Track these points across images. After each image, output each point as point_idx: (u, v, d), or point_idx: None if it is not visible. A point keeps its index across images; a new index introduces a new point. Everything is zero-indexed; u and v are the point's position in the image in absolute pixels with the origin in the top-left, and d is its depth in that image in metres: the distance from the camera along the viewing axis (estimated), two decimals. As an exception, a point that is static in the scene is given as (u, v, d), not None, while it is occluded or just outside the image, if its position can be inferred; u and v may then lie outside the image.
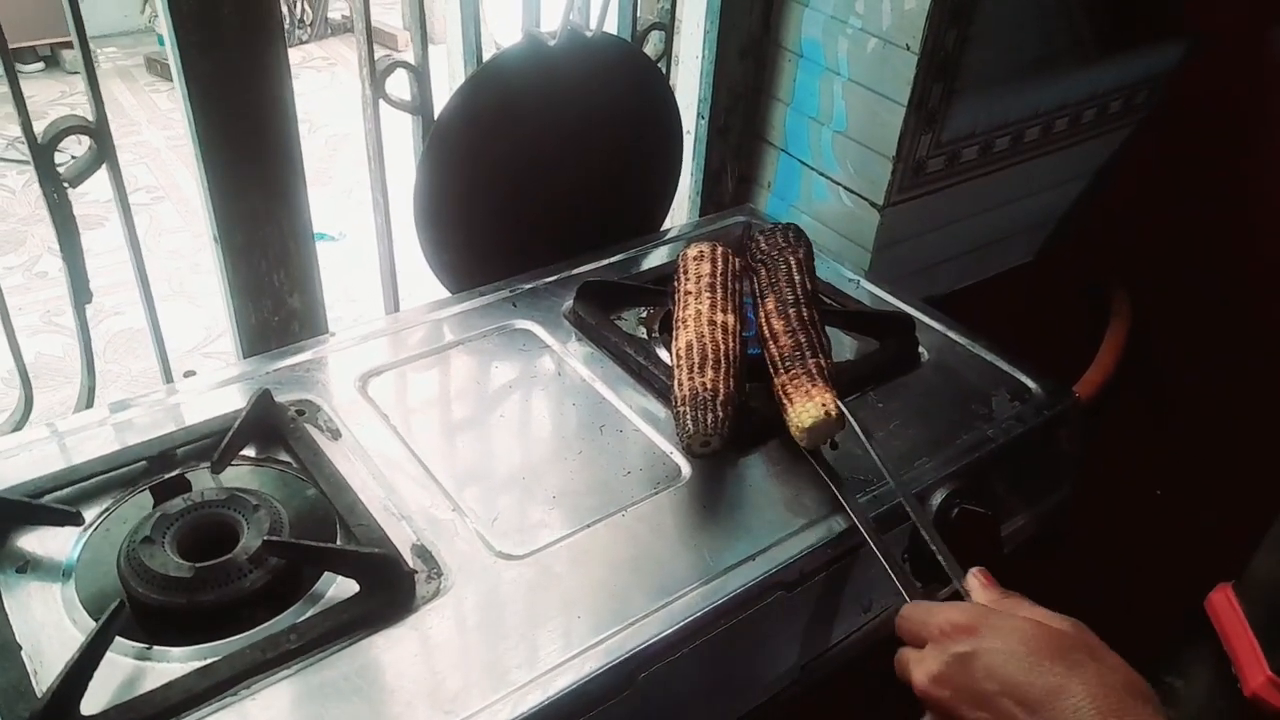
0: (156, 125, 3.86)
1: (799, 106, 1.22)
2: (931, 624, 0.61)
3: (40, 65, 4.11)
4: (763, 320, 0.89)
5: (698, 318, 0.86)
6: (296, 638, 0.64)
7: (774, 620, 0.72)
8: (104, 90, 0.84)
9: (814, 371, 0.82)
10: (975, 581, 0.66)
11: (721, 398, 0.79)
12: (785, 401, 0.81)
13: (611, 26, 1.07)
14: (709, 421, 0.78)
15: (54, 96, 3.94)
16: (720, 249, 0.94)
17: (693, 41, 1.20)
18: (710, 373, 0.81)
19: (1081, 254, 1.36)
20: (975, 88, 1.10)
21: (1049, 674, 0.54)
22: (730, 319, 0.87)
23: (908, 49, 1.04)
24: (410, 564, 0.70)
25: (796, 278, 0.91)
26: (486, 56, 1.01)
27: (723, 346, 0.84)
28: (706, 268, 0.91)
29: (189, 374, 0.97)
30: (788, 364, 0.83)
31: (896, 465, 0.81)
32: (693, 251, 0.94)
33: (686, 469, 0.81)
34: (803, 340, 0.84)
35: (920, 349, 0.96)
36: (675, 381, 0.82)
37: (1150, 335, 1.24)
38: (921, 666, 0.60)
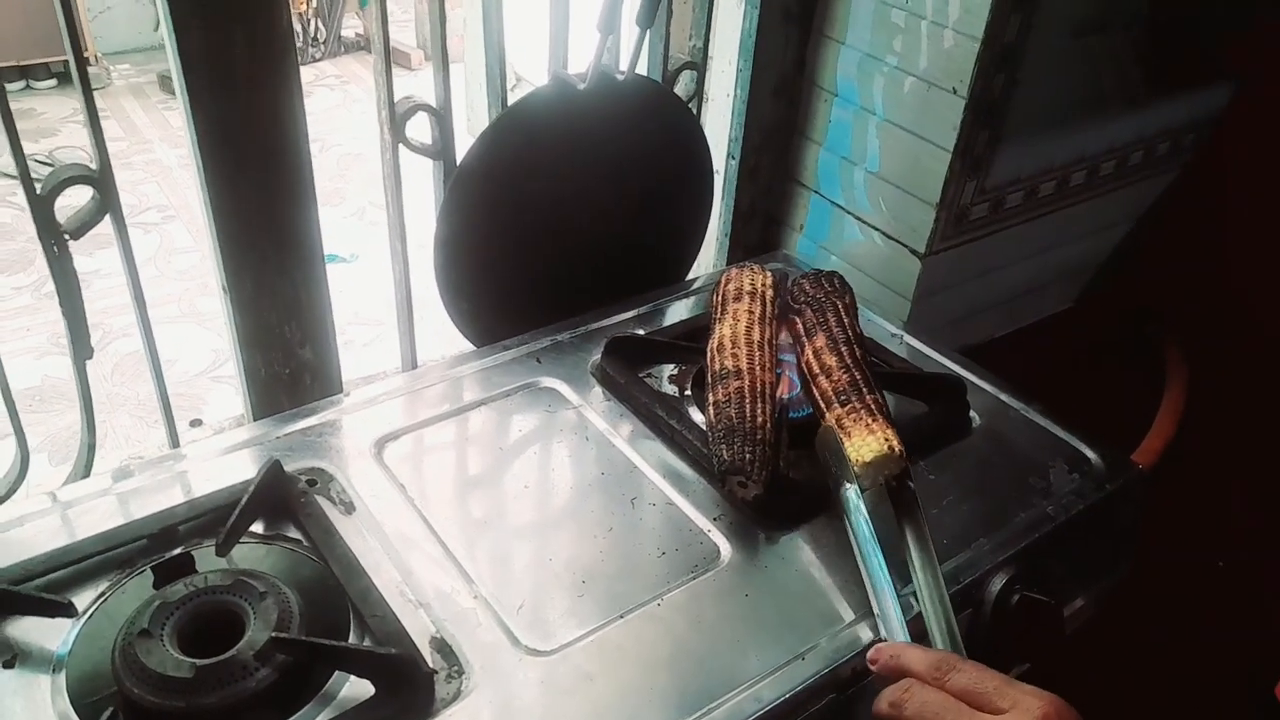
0: (168, 143, 3.84)
1: (832, 146, 1.17)
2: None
3: (53, 82, 4.09)
4: (810, 357, 0.84)
5: (736, 340, 0.83)
6: (305, 750, 0.58)
7: (825, 728, 0.67)
8: (116, 107, 0.79)
9: (872, 407, 0.77)
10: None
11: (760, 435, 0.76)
12: (843, 436, 0.76)
13: (641, 67, 1.02)
14: (746, 455, 0.74)
15: (66, 114, 3.92)
16: (763, 281, 0.90)
17: (724, 79, 1.15)
18: (750, 407, 0.77)
19: (1125, 300, 1.30)
20: (1022, 133, 1.05)
21: None
22: (768, 354, 0.84)
23: (954, 93, 0.99)
24: (429, 662, 0.64)
25: (845, 319, 0.86)
26: (507, 86, 0.96)
27: (761, 384, 0.80)
28: (745, 304, 0.87)
29: (195, 423, 0.92)
30: (843, 398, 0.78)
31: (953, 546, 0.76)
32: (731, 288, 0.90)
33: (726, 549, 0.75)
34: (858, 376, 0.80)
35: (970, 413, 0.90)
36: (710, 404, 0.79)
37: (1204, 391, 1.18)
38: None
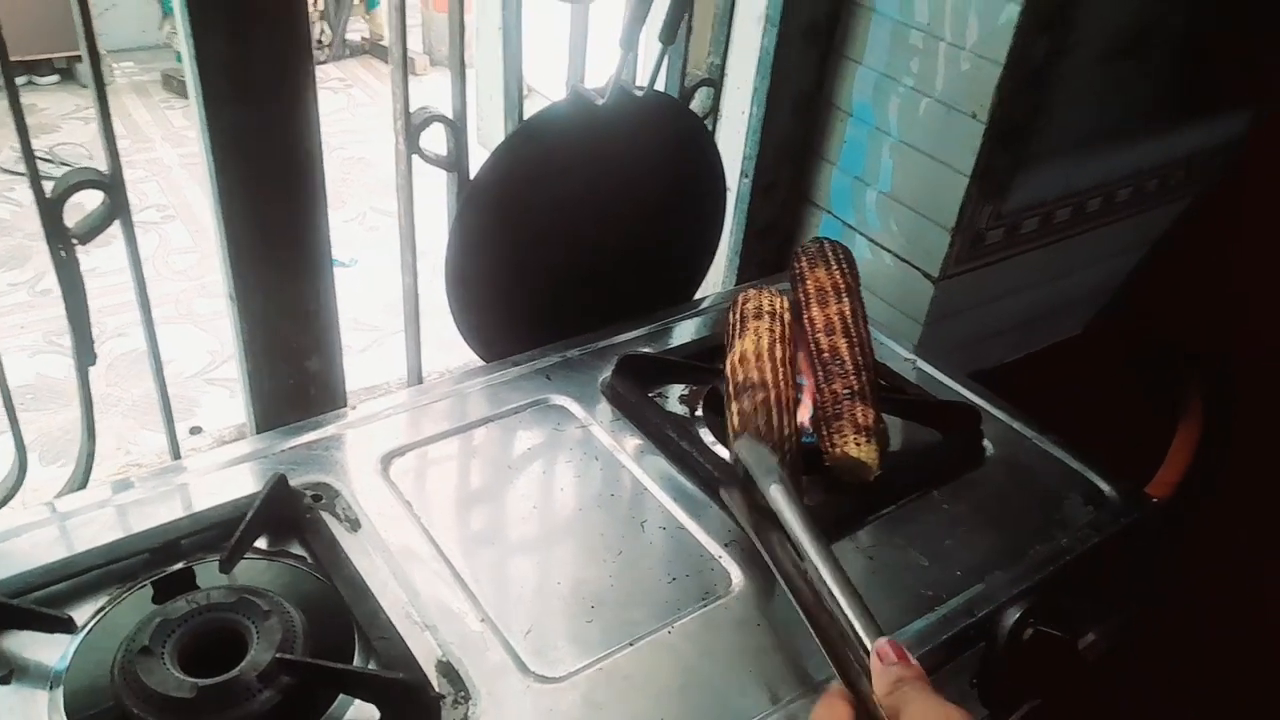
0: (170, 142, 3.81)
1: (845, 166, 1.17)
2: None
3: (55, 78, 4.06)
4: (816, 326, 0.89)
5: (760, 354, 0.83)
6: (309, 777, 0.57)
7: (838, 763, 0.65)
8: (119, 105, 0.78)
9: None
10: (876, 664, 0.54)
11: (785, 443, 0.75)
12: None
13: (659, 83, 1.01)
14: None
15: (68, 110, 3.90)
16: (781, 304, 0.90)
17: (740, 96, 1.14)
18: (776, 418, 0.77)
19: (1136, 327, 1.29)
20: (1045, 158, 1.04)
21: None
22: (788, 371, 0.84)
23: (974, 117, 0.98)
24: (435, 686, 0.63)
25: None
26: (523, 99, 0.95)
27: (786, 399, 0.80)
28: (765, 323, 0.87)
29: (195, 430, 0.90)
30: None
31: (966, 579, 0.75)
32: (750, 306, 0.89)
33: (737, 576, 0.74)
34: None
35: (984, 442, 0.89)
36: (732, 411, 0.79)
37: (1219, 422, 1.17)
38: None
